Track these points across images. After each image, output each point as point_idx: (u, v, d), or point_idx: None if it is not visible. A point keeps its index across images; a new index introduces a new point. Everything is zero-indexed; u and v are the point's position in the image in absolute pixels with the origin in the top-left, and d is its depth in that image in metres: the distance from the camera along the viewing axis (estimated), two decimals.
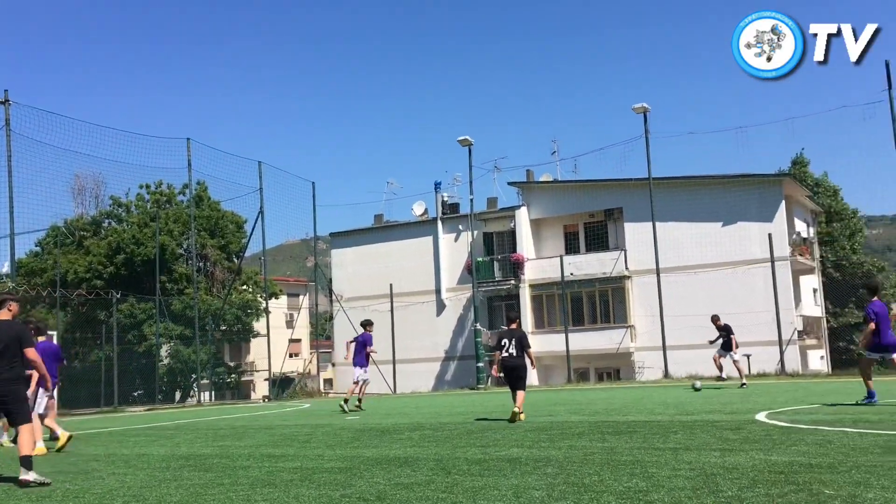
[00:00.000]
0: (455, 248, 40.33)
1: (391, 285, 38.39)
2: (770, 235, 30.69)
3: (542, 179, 41.37)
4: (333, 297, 41.70)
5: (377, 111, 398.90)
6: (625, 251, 36.17)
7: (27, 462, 7.42)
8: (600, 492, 5.35)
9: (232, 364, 51.06)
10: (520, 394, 12.28)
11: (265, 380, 41.18)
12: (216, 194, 44.28)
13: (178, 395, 40.35)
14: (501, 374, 12.69)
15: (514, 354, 12.36)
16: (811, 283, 39.76)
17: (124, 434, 14.13)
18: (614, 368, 36.54)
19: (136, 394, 37.92)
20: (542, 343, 37.12)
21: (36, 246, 43.61)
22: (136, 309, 38.93)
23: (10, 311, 7.97)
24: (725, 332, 20.37)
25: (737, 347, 20.50)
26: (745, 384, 20.05)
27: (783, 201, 33.53)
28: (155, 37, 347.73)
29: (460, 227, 40.12)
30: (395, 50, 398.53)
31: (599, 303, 36.89)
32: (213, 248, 43.98)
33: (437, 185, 41.75)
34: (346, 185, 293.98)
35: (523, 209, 38.99)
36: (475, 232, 38.54)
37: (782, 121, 65.05)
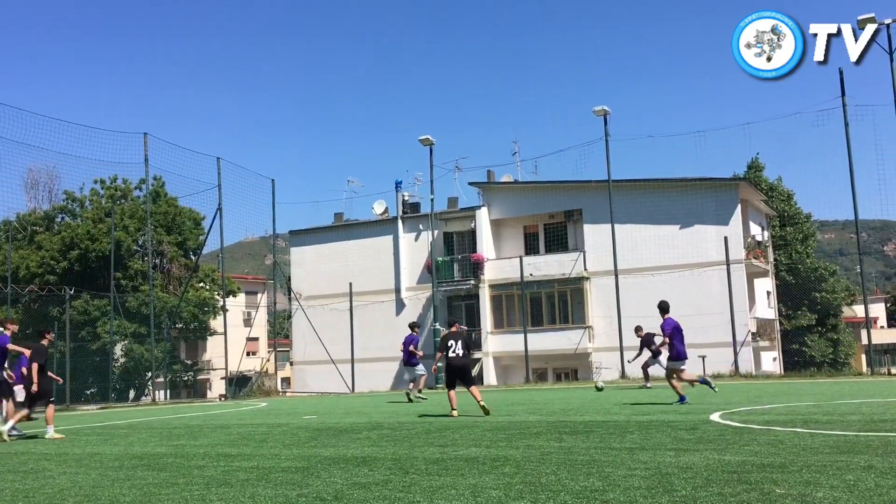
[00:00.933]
0: (415, 248, 40.30)
1: (350, 284, 38.23)
2: (726, 238, 31.21)
3: (502, 180, 41.53)
4: (292, 296, 41.40)
5: (339, 109, 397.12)
6: (584, 252, 36.47)
7: None
8: (557, 491, 5.38)
9: (188, 362, 50.41)
10: (474, 389, 13.19)
11: (222, 378, 40.74)
12: (173, 190, 43.71)
13: (132, 393, 39.70)
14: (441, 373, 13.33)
15: (461, 354, 13.06)
16: (765, 285, 40.52)
17: (76, 433, 13.86)
18: (572, 369, 36.84)
19: (88, 392, 37.24)
20: (502, 343, 37.32)
21: None
22: (90, 305, 38.23)
23: None
24: (646, 343, 21.32)
25: (657, 355, 20.90)
26: (648, 386, 21.38)
27: (739, 205, 34.11)
28: (113, 28, 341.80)
29: (420, 226, 40.09)
30: (358, 48, 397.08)
31: (558, 303, 37.15)
32: (169, 244, 43.37)
33: (398, 185, 41.71)
34: (307, 183, 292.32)
35: (484, 209, 39.11)
36: (435, 231, 38.56)
37: (740, 125, 66.22)
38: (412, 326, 20.63)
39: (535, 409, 14.45)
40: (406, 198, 42.05)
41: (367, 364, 38.02)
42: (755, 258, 35.58)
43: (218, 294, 43.44)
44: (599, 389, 19.92)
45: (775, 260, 42.23)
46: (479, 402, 12.98)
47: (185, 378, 46.96)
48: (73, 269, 39.41)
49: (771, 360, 38.36)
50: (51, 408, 12.70)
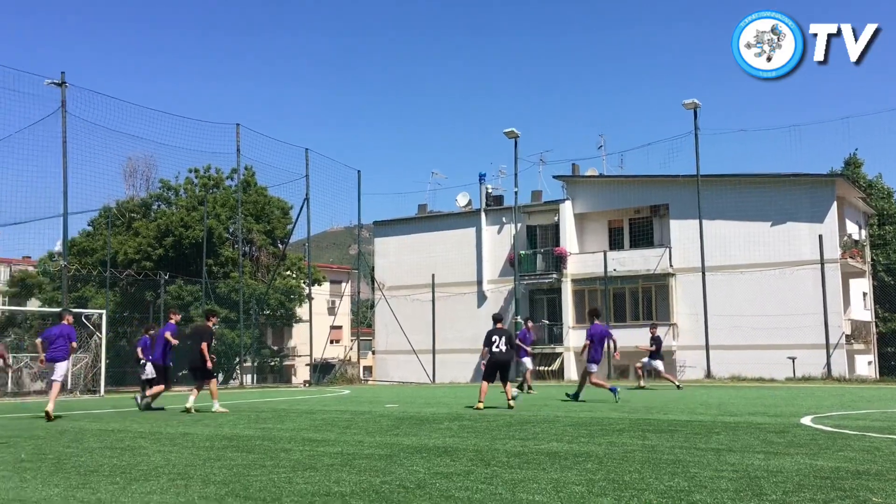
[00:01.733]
0: (498, 241, 40.28)
1: (433, 275, 38.50)
2: (820, 237, 30.10)
3: (587, 174, 41.09)
4: (375, 286, 41.96)
5: (425, 101, 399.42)
6: (669, 248, 35.77)
7: None
8: (641, 489, 5.32)
9: (274, 348, 51.70)
10: (508, 384, 14.04)
11: (306, 365, 41.67)
12: (263, 180, 44.81)
13: (221, 376, 41.03)
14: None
15: (504, 350, 13.80)
16: (861, 286, 38.90)
17: (169, 413, 14.42)
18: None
19: (180, 374, 38.62)
20: (582, 338, 36.88)
21: (88, 226, 44.62)
22: (183, 291, 39.59)
23: None
24: (657, 342, 22.20)
25: (650, 357, 22.26)
26: (644, 387, 21.99)
27: (835, 202, 32.85)
28: (208, 24, 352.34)
29: (504, 219, 40.04)
30: (445, 40, 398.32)
31: (642, 299, 36.57)
32: (258, 232, 44.50)
33: (482, 177, 41.71)
34: (392, 175, 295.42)
35: (568, 203, 38.77)
36: (518, 224, 38.45)
37: (837, 120, 63.65)
38: (525, 320, 21.79)
39: (617, 406, 14.27)
40: (490, 190, 42.05)
41: (448, 355, 38.25)
42: (851, 258, 34.20)
43: (304, 282, 44.36)
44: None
45: (873, 260, 40.47)
46: (508, 398, 13.83)
47: (272, 363, 48.20)
48: (167, 256, 40.87)
49: (866, 364, 36.83)
50: (213, 383, 14.46)
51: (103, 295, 35.52)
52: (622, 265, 36.37)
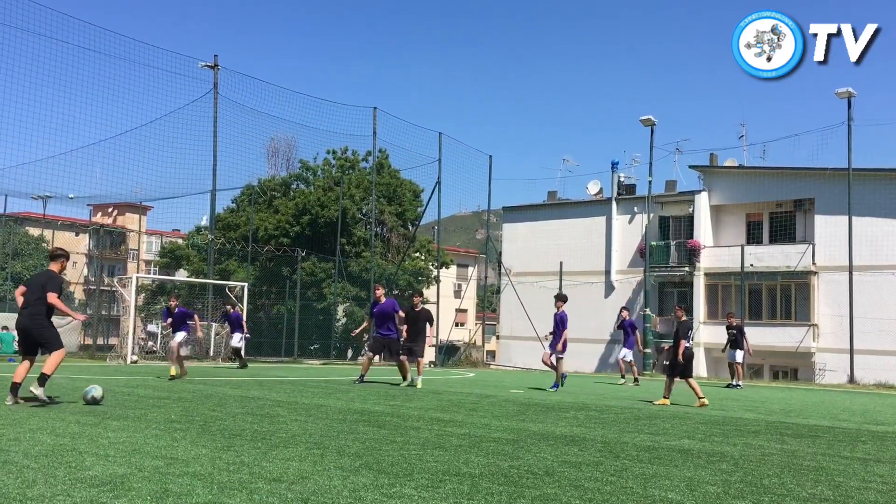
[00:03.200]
0: (628, 230, 39.47)
1: (561, 263, 38.18)
2: None
3: (726, 164, 39.55)
4: (502, 271, 42.05)
5: (558, 88, 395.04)
6: (813, 245, 33.98)
7: (43, 379, 8.93)
8: (781, 495, 5.11)
9: (401, 328, 52.77)
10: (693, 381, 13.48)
11: (431, 346, 42.29)
12: (396, 163, 45.73)
13: (350, 352, 42.31)
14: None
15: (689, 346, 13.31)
16: None
17: (304, 384, 15.00)
18: (792, 368, 34.61)
19: (312, 348, 40.11)
20: (715, 334, 35.71)
21: (232, 202, 46.92)
22: (317, 268, 41.00)
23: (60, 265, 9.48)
24: (737, 331, 21.24)
25: (750, 350, 21.59)
26: (739, 385, 21.09)
27: None
28: (348, 9, 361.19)
29: (635, 208, 39.17)
30: (577, 27, 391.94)
31: (780, 297, 34.96)
32: (390, 214, 45.46)
33: (615, 165, 40.92)
34: (522, 160, 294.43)
35: (704, 194, 37.48)
36: (651, 215, 37.49)
37: None
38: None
39: (752, 406, 13.74)
40: (622, 179, 41.19)
41: (573, 344, 37.55)
42: None
43: (432, 265, 45.02)
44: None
45: None
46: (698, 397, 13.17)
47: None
48: (304, 233, 42.41)
49: None
50: (420, 361, 15.74)
51: (244, 269, 37.30)
52: (760, 261, 34.85)
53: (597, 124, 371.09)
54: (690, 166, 38.98)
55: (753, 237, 37.06)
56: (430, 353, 47.95)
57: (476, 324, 57.85)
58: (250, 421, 8.11)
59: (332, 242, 38.84)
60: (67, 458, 5.37)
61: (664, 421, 10.03)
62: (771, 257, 35.00)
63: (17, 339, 11.60)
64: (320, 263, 40.82)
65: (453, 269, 59.52)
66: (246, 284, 27.78)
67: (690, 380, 13.23)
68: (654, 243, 37.39)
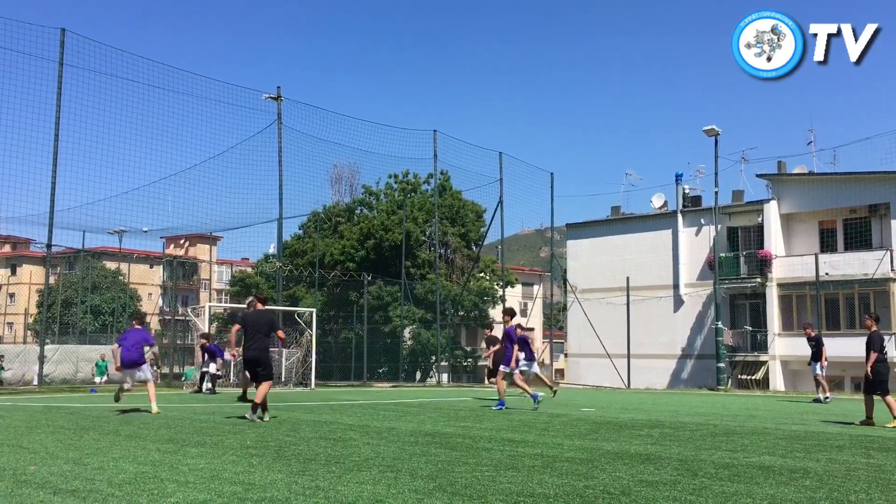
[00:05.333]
0: (695, 243, 38.76)
1: (627, 278, 37.70)
2: None
3: (795, 171, 38.56)
4: (568, 288, 41.72)
5: (619, 103, 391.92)
6: (891, 251, 32.79)
7: (256, 407, 10.91)
8: None
9: (468, 349, 52.74)
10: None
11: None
12: (458, 184, 45.92)
13: (418, 374, 42.44)
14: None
15: None
16: None
17: (374, 407, 15.10)
18: None
19: (381, 370, 40.38)
20: (791, 346, 34.73)
21: (298, 230, 47.77)
22: (383, 291, 41.35)
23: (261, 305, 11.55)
24: (816, 343, 20.24)
25: (825, 360, 20.27)
26: (826, 398, 19.92)
27: None
28: (406, 38, 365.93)
29: (702, 220, 38.46)
30: (636, 42, 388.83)
31: (859, 306, 33.77)
32: (453, 235, 45.63)
33: (679, 177, 40.30)
34: (584, 177, 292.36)
35: (773, 203, 36.59)
36: (718, 226, 36.73)
37: None
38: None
39: (833, 419, 13.28)
40: (686, 191, 40.53)
41: (643, 360, 37.31)
42: None
43: (497, 284, 44.94)
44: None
45: None
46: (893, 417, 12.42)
47: (466, 364, 49.21)
48: (368, 258, 42.89)
49: None
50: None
51: (312, 294, 37.85)
52: (835, 269, 33.79)
53: (659, 137, 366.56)
54: (758, 175, 38.16)
55: (827, 245, 35.97)
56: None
57: (543, 342, 57.42)
58: (324, 445, 8.20)
59: (396, 266, 39.15)
60: (149, 486, 5.52)
61: (742, 437, 9.77)
62: (847, 265, 33.91)
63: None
64: (386, 287, 41.16)
65: (518, 288, 59.25)
66: (314, 310, 28.16)
67: (888, 398, 12.31)
68: (723, 255, 36.60)
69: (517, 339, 14.97)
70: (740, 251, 37.33)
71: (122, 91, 25.16)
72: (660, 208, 41.53)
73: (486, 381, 20.18)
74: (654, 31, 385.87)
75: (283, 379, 26.57)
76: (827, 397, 20.20)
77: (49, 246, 23.95)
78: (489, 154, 37.45)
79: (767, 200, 36.75)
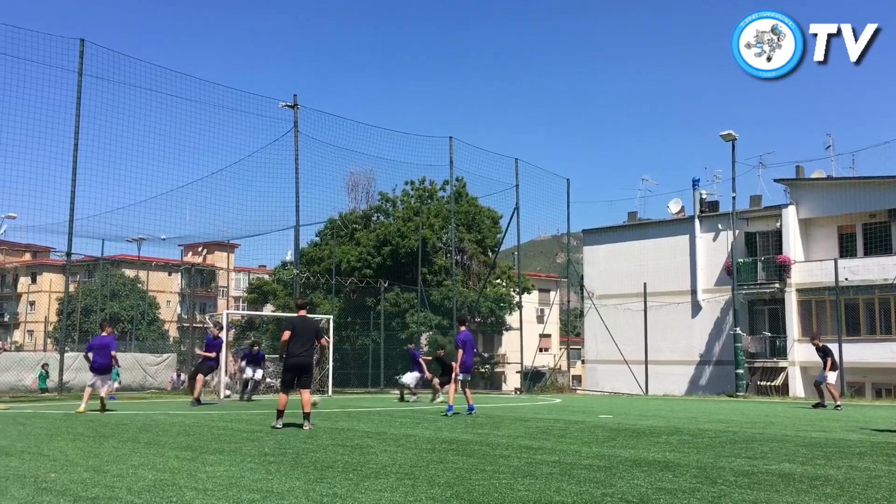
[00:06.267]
0: (713, 248, 38.55)
1: (644, 284, 37.55)
2: None
3: (813, 176, 38.31)
4: (585, 294, 41.60)
5: (634, 107, 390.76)
6: None
7: (308, 416, 11.11)
8: None
9: (485, 355, 52.70)
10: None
11: (517, 372, 42.08)
12: (474, 190, 45.98)
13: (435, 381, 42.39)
14: None
15: None
16: None
17: (391, 414, 15.11)
18: (895, 385, 33.01)
19: (398, 378, 40.36)
20: (810, 352, 34.34)
21: (315, 237, 47.97)
22: (400, 298, 41.39)
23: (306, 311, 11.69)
24: (823, 353, 20.18)
25: (831, 369, 20.26)
26: (838, 406, 19.73)
27: None
28: (422, 45, 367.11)
29: (720, 225, 38.26)
30: (651, 45, 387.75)
31: (879, 311, 33.47)
32: (470, 242, 45.64)
33: (695, 182, 40.15)
34: (600, 182, 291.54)
35: (791, 208, 36.34)
36: (736, 231, 36.54)
37: None
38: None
39: (854, 426, 13.15)
40: (704, 196, 40.36)
41: (661, 366, 37.11)
42: None
43: (514, 291, 44.88)
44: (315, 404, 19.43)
45: None
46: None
47: (483, 370, 49.15)
48: (385, 264, 42.97)
49: None
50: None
51: (329, 301, 37.95)
52: (855, 274, 33.50)
53: (675, 142, 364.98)
54: (776, 180, 37.96)
55: (847, 250, 35.67)
56: (515, 380, 47.68)
57: (560, 349, 57.27)
58: (341, 452, 8.21)
59: (413, 272, 39.19)
60: (168, 493, 5.55)
61: (762, 444, 9.70)
62: (867, 270, 33.60)
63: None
64: (403, 293, 41.20)
65: (535, 294, 59.15)
66: (331, 317, 28.24)
67: None
68: (741, 260, 36.37)
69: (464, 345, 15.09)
70: (758, 256, 37.09)
71: (140, 100, 25.38)
72: (677, 214, 41.36)
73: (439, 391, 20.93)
74: (669, 35, 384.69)
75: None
76: (838, 405, 19.98)
77: (69, 254, 24.19)
78: (505, 160, 37.46)
79: (786, 205, 36.52)
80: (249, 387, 21.57)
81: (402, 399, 21.99)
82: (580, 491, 5.85)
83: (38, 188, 23.70)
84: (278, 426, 10.96)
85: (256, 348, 22.73)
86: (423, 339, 41.87)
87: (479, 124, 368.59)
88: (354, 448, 8.68)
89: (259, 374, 21.93)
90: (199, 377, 18.92)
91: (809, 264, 35.55)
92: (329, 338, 26.54)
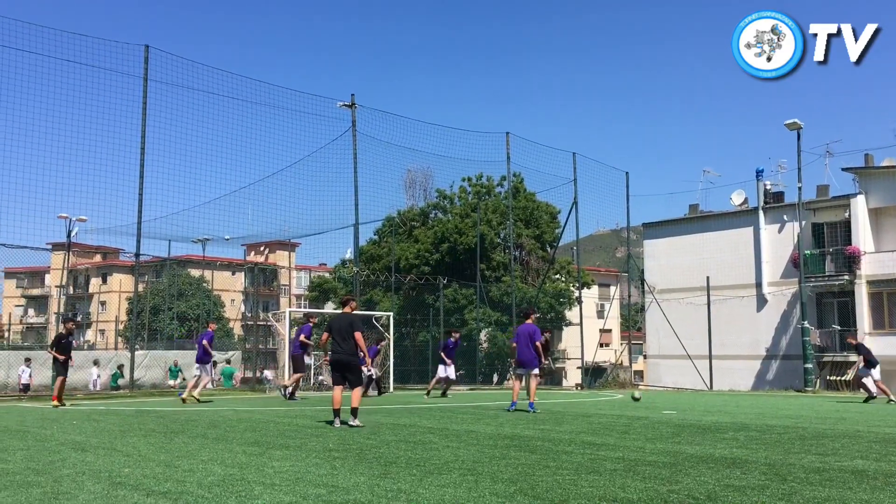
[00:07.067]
0: (778, 240, 37.64)
1: (707, 278, 36.87)
2: None
3: (884, 164, 37.06)
4: (646, 289, 41.06)
5: (695, 99, 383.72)
6: None
7: (355, 412, 10.94)
8: None
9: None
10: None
11: (577, 368, 41.76)
12: (531, 185, 45.74)
13: (495, 377, 42.38)
14: None
15: None
16: None
17: (453, 410, 15.15)
18: None
19: (458, 374, 40.45)
20: (883, 345, 33.34)
21: (374, 235, 48.33)
22: (459, 294, 41.45)
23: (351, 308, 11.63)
24: (857, 351, 20.46)
25: (864, 366, 20.37)
26: (892, 400, 19.72)
27: None
28: (478, 41, 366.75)
29: (785, 217, 37.34)
30: (712, 35, 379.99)
31: None
32: (528, 237, 45.44)
33: (759, 173, 39.24)
34: (660, 175, 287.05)
35: (860, 197, 35.24)
36: (802, 222, 35.62)
37: None
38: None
39: None
40: (768, 187, 39.44)
41: (726, 361, 36.39)
42: None
43: (573, 286, 44.54)
44: (636, 399, 19.37)
45: None
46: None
47: (543, 366, 48.95)
48: (444, 261, 43.08)
49: None
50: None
51: (389, 298, 38.23)
52: None
53: (738, 133, 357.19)
54: (844, 169, 36.91)
55: None
56: (576, 376, 47.31)
57: (621, 344, 56.63)
58: (404, 448, 8.27)
59: (471, 268, 39.21)
60: (237, 488, 5.67)
61: (833, 440, 9.44)
62: None
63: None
64: (461, 290, 41.25)
65: (595, 289, 58.58)
66: (391, 314, 28.44)
67: None
68: (809, 252, 35.44)
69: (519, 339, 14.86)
70: (826, 248, 36.09)
71: (203, 104, 25.95)
72: (740, 205, 40.51)
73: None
74: (716, 23, 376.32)
75: (363, 382, 26.88)
76: (891, 400, 19.85)
77: (137, 255, 24.88)
78: (563, 155, 37.15)
79: (854, 195, 35.45)
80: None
81: (444, 395, 21.99)
82: (645, 488, 5.78)
83: (107, 191, 24.52)
84: (336, 425, 10.87)
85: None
86: (483, 334, 41.88)
87: (537, 119, 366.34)
88: (417, 444, 8.74)
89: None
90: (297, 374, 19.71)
91: (880, 255, 34.44)
92: (389, 335, 26.75)
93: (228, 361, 32.57)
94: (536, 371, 14.58)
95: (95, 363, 30.02)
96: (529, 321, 14.81)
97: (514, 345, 14.78)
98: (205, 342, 18.17)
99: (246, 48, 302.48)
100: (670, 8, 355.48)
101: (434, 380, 22.37)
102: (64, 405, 16.44)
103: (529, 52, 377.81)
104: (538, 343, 14.52)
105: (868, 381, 20.42)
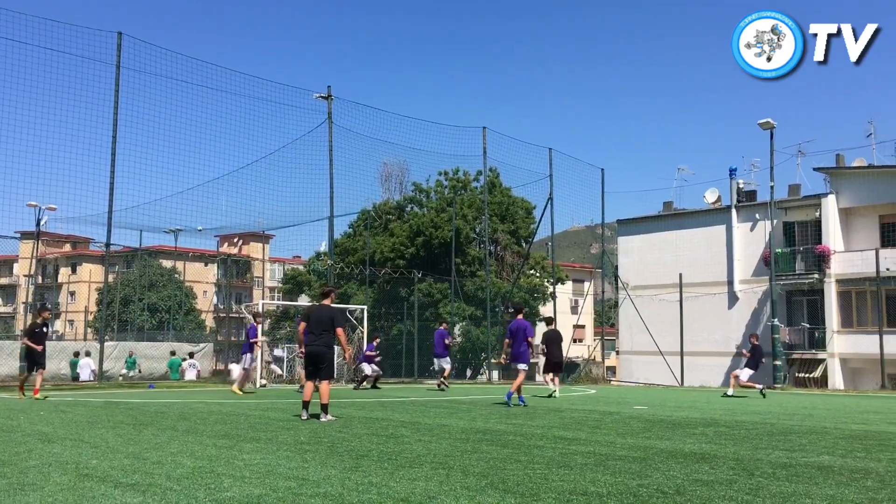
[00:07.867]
0: (750, 238, 38.04)
1: (680, 275, 37.18)
2: None
3: (854, 165, 37.58)
4: (619, 285, 41.32)
5: (670, 96, 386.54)
6: None
7: (325, 408, 10.75)
8: None
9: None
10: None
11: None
12: (507, 181, 45.82)
13: (468, 371, 42.46)
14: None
15: None
16: None
17: (425, 404, 15.15)
18: None
19: (431, 368, 40.48)
20: (850, 344, 33.92)
21: (349, 228, 48.17)
22: (433, 288, 41.45)
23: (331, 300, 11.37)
24: (752, 350, 21.10)
25: (746, 364, 21.26)
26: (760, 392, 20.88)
27: None
28: (454, 36, 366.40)
29: (757, 215, 37.75)
30: (687, 31, 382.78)
31: None
32: (503, 232, 45.52)
33: (732, 172, 39.66)
34: (635, 172, 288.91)
35: (831, 197, 35.71)
36: (774, 221, 36.02)
37: None
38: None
39: (895, 418, 12.92)
40: (741, 185, 39.87)
41: (697, 358, 36.74)
42: None
43: (547, 281, 44.72)
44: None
45: None
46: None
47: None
48: (419, 255, 43.03)
49: None
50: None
51: (363, 291, 38.14)
52: None
53: (712, 131, 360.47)
54: (815, 168, 37.35)
55: (889, 240, 34.98)
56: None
57: (594, 340, 57.01)
58: (376, 441, 8.26)
59: (446, 263, 39.22)
60: (206, 480, 5.63)
61: (800, 436, 9.57)
62: None
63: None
64: (436, 284, 41.24)
65: (569, 284, 58.88)
66: (365, 307, 28.37)
67: None
68: (780, 250, 35.86)
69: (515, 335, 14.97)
70: (797, 247, 36.53)
71: (176, 92, 25.67)
72: (713, 203, 40.89)
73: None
74: (705, 23, 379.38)
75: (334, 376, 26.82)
76: (730, 395, 20.82)
77: (108, 245, 24.58)
78: (539, 150, 37.22)
79: (825, 194, 35.91)
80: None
81: (440, 387, 22.03)
82: (615, 482, 5.82)
83: (77, 180, 24.13)
84: (304, 417, 10.78)
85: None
86: (457, 328, 41.91)
87: (513, 115, 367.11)
88: (389, 437, 8.73)
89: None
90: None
91: (850, 254, 34.94)
92: (363, 328, 26.69)
93: (191, 354, 32.34)
94: (525, 367, 14.78)
95: (87, 354, 29.57)
96: (520, 317, 15.02)
97: (508, 341, 14.92)
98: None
99: (222, 38, 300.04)
100: (650, 7, 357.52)
101: (446, 372, 22.54)
102: (46, 397, 16.06)
103: (507, 48, 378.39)
104: (529, 339, 14.67)
105: (742, 374, 21.04)
